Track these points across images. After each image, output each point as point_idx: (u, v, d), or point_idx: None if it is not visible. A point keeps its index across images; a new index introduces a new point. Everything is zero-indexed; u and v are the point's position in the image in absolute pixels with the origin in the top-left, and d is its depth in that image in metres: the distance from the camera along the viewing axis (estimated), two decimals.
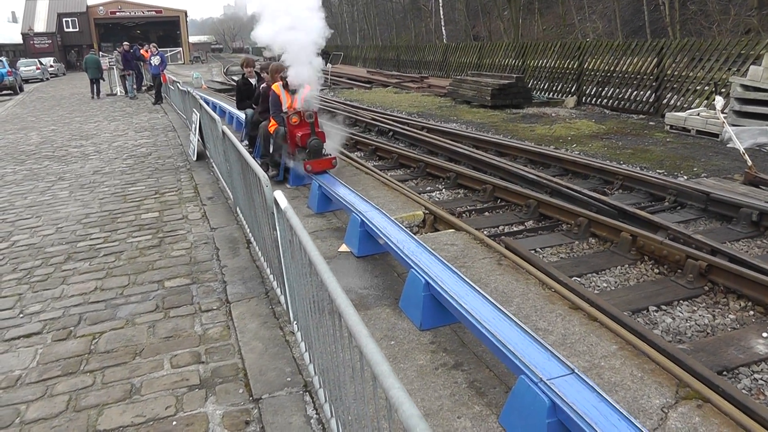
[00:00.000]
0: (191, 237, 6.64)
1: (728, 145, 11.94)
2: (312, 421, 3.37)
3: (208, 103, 11.71)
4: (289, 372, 3.86)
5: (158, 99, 22.45)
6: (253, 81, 10.63)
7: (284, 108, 8.25)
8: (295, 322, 4.20)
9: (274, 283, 4.96)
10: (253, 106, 10.05)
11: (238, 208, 7.11)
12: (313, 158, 7.73)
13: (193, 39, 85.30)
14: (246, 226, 6.44)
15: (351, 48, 56.53)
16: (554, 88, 22.43)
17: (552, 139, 14.31)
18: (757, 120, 12.96)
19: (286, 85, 8.20)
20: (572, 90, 21.36)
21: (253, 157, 7.58)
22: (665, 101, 17.21)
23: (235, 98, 11.84)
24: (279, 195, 3.93)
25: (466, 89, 22.14)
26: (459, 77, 24.06)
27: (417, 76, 31.30)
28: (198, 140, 10.90)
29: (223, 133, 6.86)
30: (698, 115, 14.35)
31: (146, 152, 12.26)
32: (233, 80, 38.80)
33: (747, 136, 12.03)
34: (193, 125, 11.29)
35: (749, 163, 9.67)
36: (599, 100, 19.88)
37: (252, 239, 6.04)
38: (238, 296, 5.02)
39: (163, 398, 3.70)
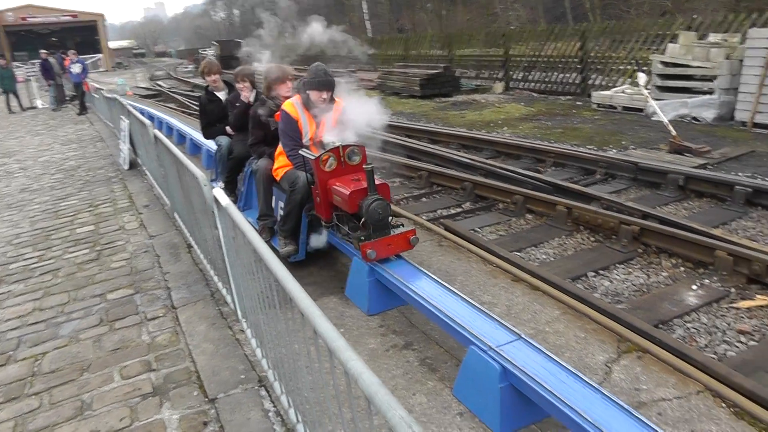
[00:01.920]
0: (130, 247, 6.50)
1: (653, 118, 12.50)
2: (270, 414, 3.41)
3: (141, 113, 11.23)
4: (242, 369, 3.88)
5: (83, 109, 21.76)
6: (221, 95, 7.55)
7: (306, 139, 5.20)
8: (244, 320, 4.22)
9: (219, 284, 4.96)
10: (228, 131, 7.31)
11: (175, 213, 6.98)
12: (376, 235, 4.47)
13: (113, 44, 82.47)
14: (185, 231, 6.35)
15: (276, 47, 55.95)
16: (482, 75, 22.96)
17: (483, 123, 14.64)
18: (677, 93, 13.64)
19: (307, 103, 5.13)
20: (500, 76, 21.89)
21: (240, 209, 5.76)
22: (591, 82, 17.87)
23: (199, 120, 7.96)
24: (219, 193, 3.93)
25: (394, 81, 22.41)
26: (387, 69, 24.29)
27: (345, 71, 31.36)
28: (129, 148, 10.63)
29: (155, 137, 6.74)
30: (623, 92, 14.98)
31: (75, 165, 11.88)
32: (159, 85, 37.84)
33: (670, 108, 12.61)
34: (122, 133, 10.97)
35: (673, 133, 10.19)
36: (527, 84, 20.46)
37: (193, 243, 5.99)
38: (183, 301, 4.99)
39: (116, 410, 3.63)
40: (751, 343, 4.41)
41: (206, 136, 7.98)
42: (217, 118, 7.50)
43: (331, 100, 5.15)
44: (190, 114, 17.80)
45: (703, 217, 6.98)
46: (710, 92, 12.90)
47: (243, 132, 6.66)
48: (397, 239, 4.48)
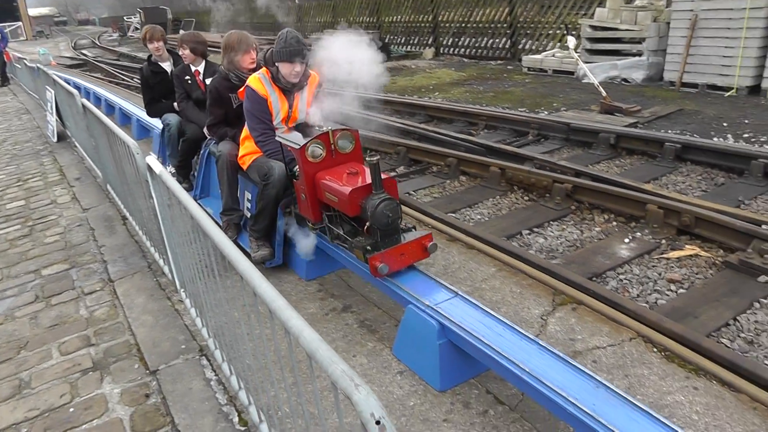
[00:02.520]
0: (63, 221, 6.31)
1: (584, 81, 12.77)
2: (212, 383, 3.44)
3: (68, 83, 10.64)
4: (183, 340, 3.90)
5: (4, 80, 20.75)
6: (166, 66, 6.79)
7: (277, 120, 4.54)
8: (182, 290, 4.23)
9: (156, 255, 4.93)
10: (177, 107, 6.52)
11: (108, 185, 6.77)
12: (385, 243, 3.68)
13: (33, 12, 78.02)
14: (119, 202, 6.20)
15: (202, 13, 54.41)
16: (411, 42, 23.01)
17: (414, 89, 14.66)
18: (607, 56, 14.02)
19: (277, 79, 4.42)
20: (429, 42, 21.97)
21: (196, 198, 5.65)
22: (521, 46, 18.14)
23: (142, 96, 7.11)
24: (152, 160, 3.86)
25: None
26: (316, 37, 24.00)
27: (275, 39, 30.84)
28: (56, 120, 10.21)
29: (84, 107, 6.43)
30: (553, 55, 15.25)
31: (0, 139, 11.39)
32: (84, 54, 36.09)
33: (600, 71, 12.91)
34: (49, 104, 10.54)
35: (604, 94, 10.44)
36: (457, 49, 20.61)
37: (127, 214, 5.88)
38: (120, 274, 4.94)
39: (56, 387, 3.58)
40: (681, 291, 4.57)
41: (151, 114, 7.14)
42: (162, 92, 6.77)
43: (305, 73, 4.47)
44: (117, 84, 17.14)
45: (635, 174, 7.19)
46: (639, 54, 13.29)
47: (197, 110, 6.13)
48: (411, 247, 3.66)
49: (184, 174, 6.40)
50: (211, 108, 5.15)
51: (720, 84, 11.50)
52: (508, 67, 17.00)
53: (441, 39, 21.48)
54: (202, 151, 5.88)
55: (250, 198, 4.82)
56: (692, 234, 5.36)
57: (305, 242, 4.41)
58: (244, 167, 4.70)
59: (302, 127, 4.46)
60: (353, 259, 3.87)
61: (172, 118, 6.55)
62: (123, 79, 18.30)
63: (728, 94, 11.23)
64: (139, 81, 7.99)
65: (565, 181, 6.41)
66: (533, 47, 17.59)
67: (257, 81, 4.46)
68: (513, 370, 2.81)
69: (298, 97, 4.55)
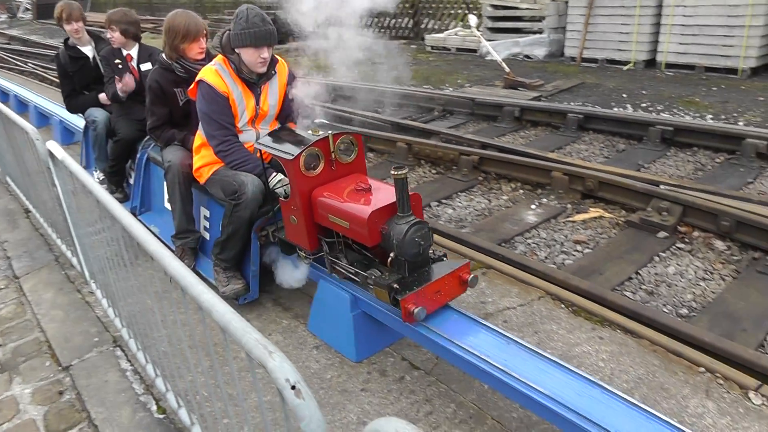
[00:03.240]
0: None
1: (487, 58, 13.08)
2: (128, 373, 3.39)
3: None
4: (95, 332, 3.81)
5: None
6: (87, 50, 5.74)
7: (243, 122, 3.80)
8: (92, 282, 4.10)
9: (63, 247, 4.72)
10: (102, 100, 5.61)
11: (8, 177, 6.36)
12: (416, 279, 2.94)
13: None
14: (21, 195, 5.84)
15: None
16: None
17: (320, 68, 14.53)
18: (509, 34, 14.39)
19: (240, 69, 3.65)
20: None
21: (137, 214, 4.97)
22: (423, 26, 18.37)
23: (60, 88, 5.95)
24: (53, 145, 3.71)
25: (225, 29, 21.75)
26: (216, 17, 23.51)
27: (164, 20, 29.86)
28: None
29: None
30: (456, 34, 15.51)
31: None
32: None
33: (502, 48, 13.24)
34: None
35: (507, 70, 10.75)
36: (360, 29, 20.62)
37: (30, 207, 5.55)
38: (26, 269, 4.71)
39: None
40: (587, 251, 4.78)
41: (71, 109, 5.97)
42: (84, 83, 5.74)
43: (272, 60, 3.75)
44: (9, 69, 16.10)
45: (540, 144, 7.46)
46: (540, 32, 13.72)
47: (130, 103, 5.28)
48: (447, 282, 2.95)
49: (116, 182, 5.50)
50: (153, 107, 4.35)
51: (618, 58, 12.06)
52: (412, 46, 17.17)
53: None
54: (138, 155, 5.06)
55: (208, 216, 4.20)
56: (596, 197, 5.61)
57: (293, 276, 3.73)
58: (202, 180, 3.93)
59: (281, 131, 3.56)
60: (367, 297, 3.19)
61: (98, 114, 5.58)
62: (16, 64, 17.23)
63: (626, 67, 11.80)
64: (55, 70, 6.27)
65: (472, 153, 6.56)
66: (436, 26, 17.85)
67: (214, 74, 3.64)
68: (427, 335, 2.86)
69: (267, 89, 3.79)
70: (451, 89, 10.86)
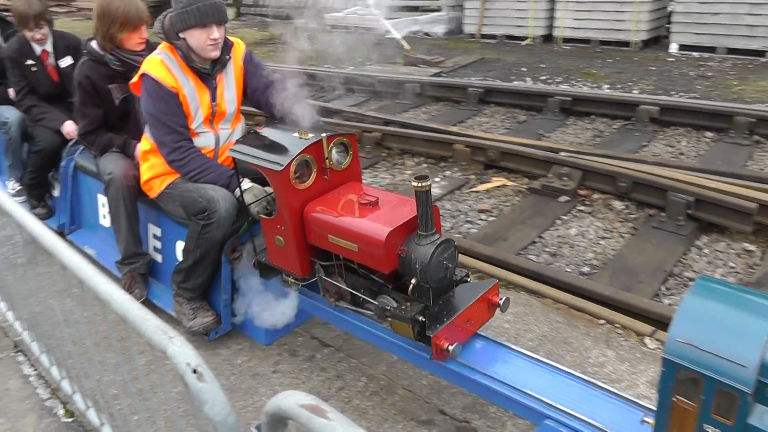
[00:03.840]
0: None
1: (387, 36, 13.11)
2: (31, 378, 3.21)
3: None
4: None
5: None
6: None
7: (198, 122, 3.22)
8: None
9: None
10: (11, 95, 4.76)
11: None
12: (442, 308, 2.49)
13: None
14: None
15: None
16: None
17: None
18: (408, 12, 14.52)
19: (188, 57, 3.10)
20: (230, 2, 21.52)
21: (65, 233, 4.36)
22: (322, 5, 18.24)
23: None
24: None
25: None
26: None
27: (64, 0, 28.49)
28: None
29: None
30: (355, 13, 15.48)
31: None
32: None
33: (402, 26, 13.35)
34: None
35: (407, 47, 10.85)
36: (258, 9, 20.43)
37: None
38: None
39: None
40: (491, 219, 4.88)
41: None
42: None
43: (225, 42, 3.19)
44: None
45: (442, 119, 7.57)
46: (438, 9, 13.91)
47: (47, 107, 4.54)
48: (477, 309, 2.56)
49: (37, 195, 4.70)
50: (84, 108, 3.76)
51: (516, 34, 12.39)
52: (311, 25, 17.05)
53: (241, 0, 21.17)
54: (63, 164, 4.38)
55: (159, 234, 3.69)
56: (498, 167, 5.74)
57: (280, 306, 3.15)
58: (152, 195, 3.38)
59: (256, 135, 2.94)
60: (381, 331, 2.71)
61: (10, 114, 4.68)
62: None
63: (524, 42, 12.13)
64: None
65: (374, 130, 6.60)
66: (335, 5, 17.79)
67: (160, 66, 3.10)
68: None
69: (222, 80, 3.25)
70: (352, 68, 10.84)
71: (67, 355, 2.74)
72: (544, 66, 10.06)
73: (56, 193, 4.62)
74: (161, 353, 1.62)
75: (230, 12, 20.51)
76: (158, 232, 3.67)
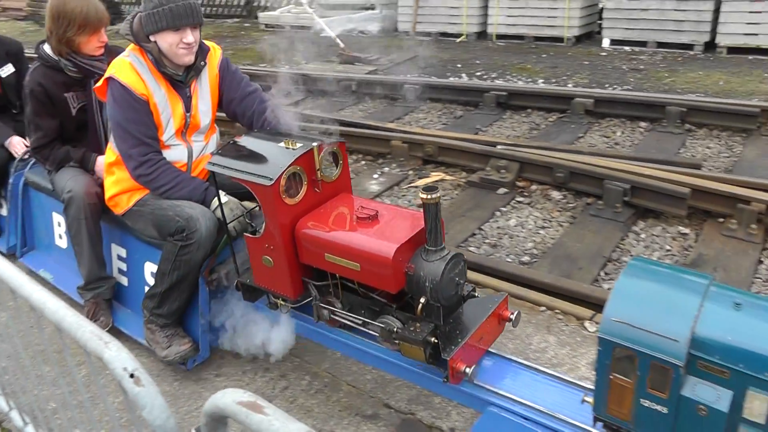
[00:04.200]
0: None
1: (322, 35, 13.07)
2: None
3: None
4: None
5: None
6: None
7: (169, 134, 2.99)
8: None
9: None
10: None
11: None
12: (453, 327, 2.37)
13: None
14: None
15: None
16: (125, 1, 21.87)
17: None
18: (342, 10, 14.49)
19: (160, 62, 2.86)
20: None
21: (17, 255, 4.06)
22: (256, 3, 18.13)
23: None
24: None
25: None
26: None
27: None
28: None
29: None
30: (289, 12, 15.41)
31: None
32: None
33: (336, 24, 13.32)
34: None
35: (342, 45, 10.84)
36: None
37: None
38: None
39: None
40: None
41: None
42: None
43: (201, 47, 2.98)
44: None
45: (379, 116, 7.59)
46: (372, 7, 13.96)
47: None
48: (489, 326, 2.44)
49: None
50: (38, 119, 3.43)
51: (451, 31, 12.51)
52: (245, 24, 16.91)
53: None
54: (11, 179, 4.09)
55: (124, 255, 3.44)
56: (436, 162, 5.78)
57: (271, 333, 2.95)
58: (118, 211, 3.13)
59: (236, 145, 2.72)
60: (385, 353, 2.56)
61: None
62: None
63: (459, 40, 12.25)
64: None
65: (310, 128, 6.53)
66: (268, 4, 17.68)
67: (128, 70, 2.86)
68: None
69: (196, 88, 3.02)
70: (287, 66, 10.77)
71: (2, 370, 2.64)
72: (479, 62, 10.19)
73: (4, 212, 4.27)
74: (98, 360, 1.57)
75: None
76: (123, 252, 3.42)
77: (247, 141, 2.68)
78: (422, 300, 2.24)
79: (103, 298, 3.37)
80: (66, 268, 3.69)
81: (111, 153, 3.07)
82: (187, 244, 2.79)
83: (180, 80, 2.91)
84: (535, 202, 4.93)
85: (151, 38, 2.82)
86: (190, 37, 2.80)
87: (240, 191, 2.79)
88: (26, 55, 4.38)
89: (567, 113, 6.94)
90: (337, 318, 2.61)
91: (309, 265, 2.53)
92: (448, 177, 5.50)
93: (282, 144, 2.54)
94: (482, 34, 12.25)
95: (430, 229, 2.20)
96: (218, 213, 2.80)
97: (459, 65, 10.08)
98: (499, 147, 5.55)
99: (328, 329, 2.69)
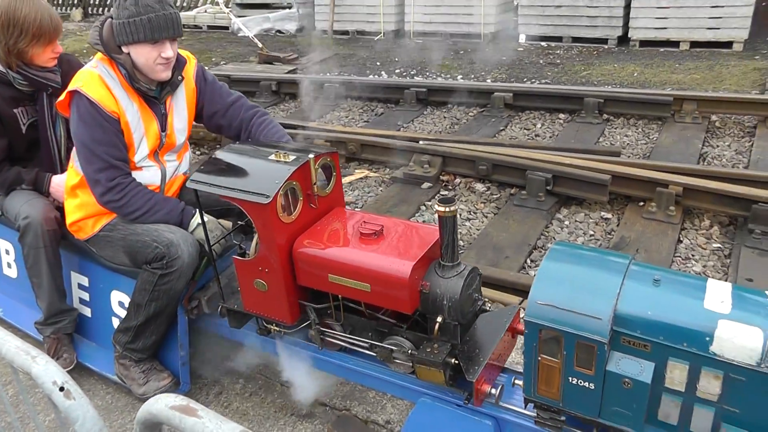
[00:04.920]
0: None
1: (239, 34, 12.96)
2: None
3: None
4: None
5: None
6: None
7: (141, 154, 2.74)
8: None
9: None
10: None
11: None
12: (471, 346, 2.24)
13: None
14: None
15: None
16: (55, 3, 21.08)
17: (72, 52, 13.44)
18: (259, 9, 14.38)
19: (133, 77, 2.61)
20: (74, 2, 20.54)
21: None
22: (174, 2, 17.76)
23: None
24: None
25: None
26: None
27: None
28: None
29: None
30: (206, 11, 15.19)
31: None
32: None
33: (254, 24, 13.21)
34: None
35: (260, 45, 10.76)
36: (106, 9, 19.53)
37: None
38: None
39: None
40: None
41: None
42: None
43: (178, 59, 2.73)
44: None
45: (300, 115, 7.60)
46: (289, 6, 13.90)
47: None
48: (504, 341, 2.29)
49: None
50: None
51: (369, 30, 12.54)
52: None
53: None
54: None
55: (86, 283, 3.20)
56: (360, 159, 5.79)
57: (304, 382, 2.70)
58: (81, 236, 2.87)
59: (217, 160, 2.47)
60: (398, 377, 2.39)
61: None
62: None
63: (377, 38, 12.30)
64: None
65: None
66: (185, 4, 17.35)
67: (97, 83, 2.59)
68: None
69: (172, 105, 2.80)
70: (206, 67, 10.62)
71: None
72: (398, 60, 10.27)
73: None
74: (26, 377, 1.53)
75: (77, 13, 19.52)
76: (84, 281, 3.18)
77: (229, 155, 2.46)
78: (439, 319, 2.12)
79: (64, 333, 3.13)
80: (15, 300, 3.45)
81: (74, 174, 2.81)
82: (167, 273, 2.59)
83: (154, 96, 2.69)
84: (459, 194, 5.01)
85: (124, 49, 2.56)
86: (170, 51, 2.57)
87: (215, 209, 2.66)
88: None
89: (487, 107, 7.05)
90: (337, 341, 2.43)
91: (307, 287, 2.35)
92: (372, 174, 5.52)
93: (272, 156, 2.33)
94: (399, 32, 12.34)
95: (447, 243, 2.08)
96: (198, 234, 2.62)
97: (378, 63, 10.15)
98: (421, 142, 5.60)
99: (328, 353, 2.53)
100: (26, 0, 2.91)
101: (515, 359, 2.63)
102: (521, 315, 2.23)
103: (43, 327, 3.10)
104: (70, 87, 2.61)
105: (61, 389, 1.44)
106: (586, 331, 1.67)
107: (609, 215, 4.57)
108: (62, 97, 2.68)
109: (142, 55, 2.53)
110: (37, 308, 3.10)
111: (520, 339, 2.14)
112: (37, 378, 1.48)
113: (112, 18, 2.56)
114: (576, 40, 10.54)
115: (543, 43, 10.77)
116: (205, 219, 2.53)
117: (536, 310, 1.75)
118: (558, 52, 10.19)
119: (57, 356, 3.06)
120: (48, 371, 1.48)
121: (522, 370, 1.93)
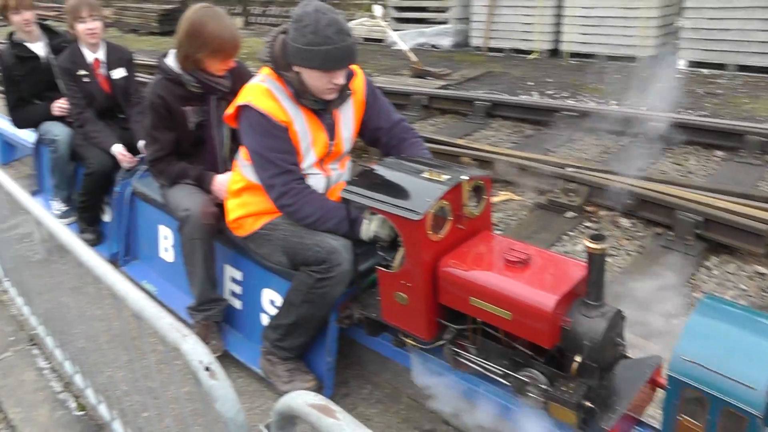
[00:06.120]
0: None
1: (393, 48, 13.21)
2: (45, 372, 3.38)
3: None
4: (11, 331, 3.77)
5: None
6: (38, 48, 4.71)
7: (308, 162, 2.87)
8: (6, 279, 4.01)
9: None
10: (56, 110, 4.64)
11: None
12: (609, 391, 2.16)
13: None
14: None
15: None
16: None
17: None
18: (414, 24, 14.62)
19: (300, 93, 2.75)
20: (238, 11, 21.68)
21: (121, 268, 4.10)
22: None
23: (5, 96, 4.82)
24: None
25: (130, 17, 21.43)
26: (121, 5, 22.97)
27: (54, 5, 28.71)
28: None
29: None
30: (362, 24, 15.61)
31: None
32: None
33: (408, 38, 13.44)
34: None
35: (414, 59, 10.92)
36: (266, 19, 20.52)
37: None
38: None
39: None
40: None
41: (19, 123, 4.84)
42: (35, 89, 4.68)
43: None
44: None
45: (448, 131, 7.62)
46: (445, 22, 14.00)
47: (104, 117, 4.47)
48: (645, 392, 2.21)
49: (88, 219, 4.50)
50: (156, 132, 3.40)
51: (523, 48, 12.45)
52: None
53: (249, 8, 21.29)
54: (118, 189, 4.15)
55: (239, 278, 3.41)
56: (505, 181, 5.76)
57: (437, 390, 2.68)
58: (241, 233, 3.04)
59: (371, 174, 2.56)
60: (531, 414, 2.35)
61: (59, 131, 4.52)
62: None
63: (531, 56, 12.20)
64: None
65: None
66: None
67: (267, 97, 2.72)
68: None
69: (338, 116, 2.90)
70: None
71: (80, 350, 2.87)
72: (550, 80, 10.11)
73: (107, 218, 4.41)
74: (174, 351, 1.69)
75: (238, 21, 20.67)
76: (238, 275, 3.39)
77: (382, 170, 2.54)
78: (578, 358, 2.08)
79: (213, 321, 3.35)
80: (170, 283, 3.79)
81: (238, 177, 3.00)
82: (325, 278, 2.66)
83: (321, 109, 2.79)
84: (603, 228, 4.89)
85: (295, 68, 2.66)
86: (341, 79, 2.66)
87: None
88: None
89: (639, 137, 6.80)
90: (471, 364, 2.42)
91: (447, 306, 2.38)
92: (516, 197, 5.50)
93: (425, 174, 2.40)
94: (554, 52, 12.15)
95: (593, 281, 2.04)
96: (366, 235, 2.64)
97: (530, 83, 10.03)
98: (568, 169, 5.53)
99: (458, 374, 2.55)
100: (216, 17, 3.19)
101: (652, 414, 2.56)
102: (663, 367, 2.10)
103: (194, 312, 3.33)
104: (239, 101, 2.78)
105: (207, 369, 1.58)
106: (736, 399, 1.56)
107: (765, 270, 4.18)
108: (230, 110, 2.87)
109: (313, 78, 2.65)
110: (190, 294, 3.37)
111: (659, 392, 2.10)
112: (186, 355, 1.63)
113: (284, 34, 2.68)
114: (743, 68, 9.84)
115: (704, 71, 10.22)
116: (378, 223, 2.58)
117: (681, 366, 1.68)
118: (720, 81, 9.60)
119: (206, 342, 3.13)
120: (196, 350, 1.64)
121: (659, 427, 1.87)
